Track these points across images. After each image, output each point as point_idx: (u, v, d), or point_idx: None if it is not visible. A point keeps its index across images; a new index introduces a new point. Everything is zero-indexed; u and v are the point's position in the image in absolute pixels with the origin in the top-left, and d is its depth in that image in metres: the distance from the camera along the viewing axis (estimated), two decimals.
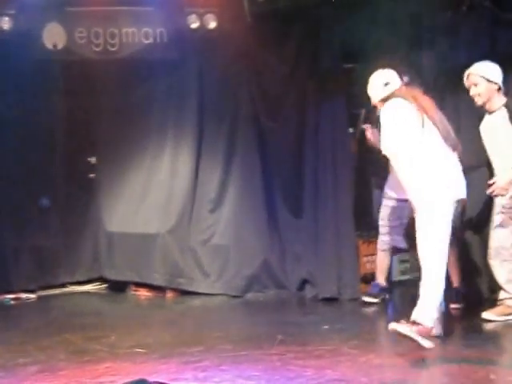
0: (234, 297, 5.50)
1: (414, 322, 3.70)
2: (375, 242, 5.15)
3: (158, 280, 5.72)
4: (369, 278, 5.27)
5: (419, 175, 3.77)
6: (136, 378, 3.32)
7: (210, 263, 5.66)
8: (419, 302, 3.73)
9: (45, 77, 5.42)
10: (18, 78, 5.30)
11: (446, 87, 4.94)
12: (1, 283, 5.53)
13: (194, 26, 5.33)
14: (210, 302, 5.41)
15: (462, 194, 3.86)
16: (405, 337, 3.70)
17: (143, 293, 5.74)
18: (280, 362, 3.76)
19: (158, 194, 5.85)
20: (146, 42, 5.37)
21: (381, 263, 5.10)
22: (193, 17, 5.31)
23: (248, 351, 3.96)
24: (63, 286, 5.85)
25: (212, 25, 5.32)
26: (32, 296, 5.59)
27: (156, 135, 5.84)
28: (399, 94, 3.93)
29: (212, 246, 5.68)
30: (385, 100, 3.99)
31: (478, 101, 4.41)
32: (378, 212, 5.08)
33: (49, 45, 5.29)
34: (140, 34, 5.36)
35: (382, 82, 4.13)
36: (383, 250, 5.07)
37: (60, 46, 5.30)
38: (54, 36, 5.28)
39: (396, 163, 3.85)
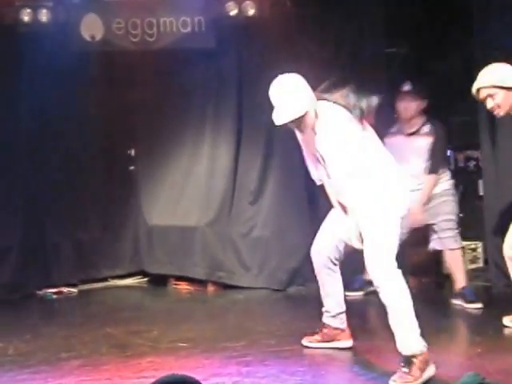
0: (276, 290, 5.40)
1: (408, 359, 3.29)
2: (423, 233, 5.00)
3: (198, 273, 5.66)
4: (417, 271, 5.11)
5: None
6: (178, 373, 3.25)
7: (251, 256, 5.58)
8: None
9: (83, 69, 5.39)
10: (56, 70, 5.28)
11: None
12: (43, 278, 5.55)
13: (233, 13, 5.23)
14: (252, 296, 5.33)
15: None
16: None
17: (184, 286, 5.69)
18: (324, 357, 3.68)
19: (197, 186, 5.78)
20: (184, 31, 5.28)
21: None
22: (231, 4, 5.21)
23: (292, 346, 3.89)
24: (104, 280, 5.84)
25: (251, 12, 5.21)
26: (73, 290, 5.59)
27: (195, 126, 5.77)
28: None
29: (252, 239, 5.60)
30: None
31: (500, 112, 3.87)
32: None
33: (87, 36, 5.26)
34: (178, 23, 5.28)
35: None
36: None
37: (98, 38, 5.26)
38: (91, 27, 5.24)
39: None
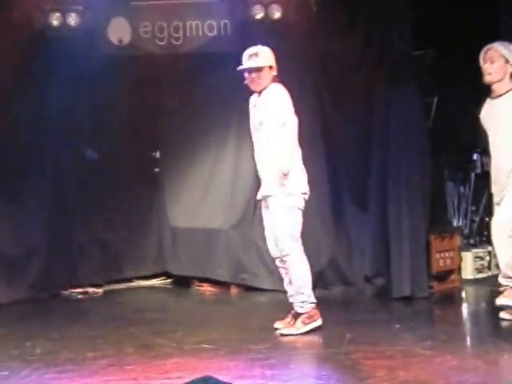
0: None
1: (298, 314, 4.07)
2: (449, 238, 4.96)
3: (221, 275, 5.69)
4: (442, 276, 5.07)
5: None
6: (202, 374, 3.29)
7: (275, 259, 5.58)
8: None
9: (110, 72, 5.44)
10: (83, 73, 5.35)
11: None
12: (68, 278, 5.62)
13: (259, 16, 5.25)
14: (275, 299, 5.31)
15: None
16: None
17: (207, 288, 5.72)
18: (349, 361, 3.65)
19: (221, 188, 5.81)
20: (210, 34, 5.32)
21: None
22: (257, 7, 5.23)
23: (316, 350, 3.89)
24: (129, 280, 5.89)
25: (277, 15, 5.23)
26: (98, 290, 5.66)
27: (220, 129, 5.80)
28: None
29: None
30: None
31: (489, 78, 4.22)
32: (452, 205, 4.87)
33: (114, 40, 5.32)
34: (204, 26, 5.32)
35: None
36: None
37: (125, 41, 5.33)
38: (119, 31, 5.30)
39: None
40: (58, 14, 5.22)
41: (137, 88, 5.75)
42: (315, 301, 4.24)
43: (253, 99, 4.32)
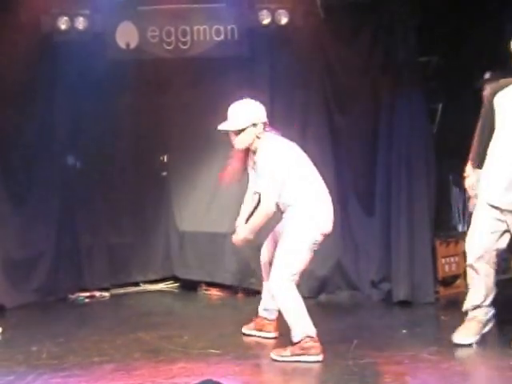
0: (307, 298, 5.37)
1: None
2: (454, 243, 4.94)
3: (228, 280, 5.68)
4: (449, 282, 5.05)
5: None
6: (205, 378, 3.29)
7: None
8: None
9: (117, 76, 5.46)
10: (91, 77, 5.36)
11: None
12: (75, 282, 5.62)
13: (266, 22, 5.24)
14: None
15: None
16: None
17: (214, 292, 5.71)
18: (357, 367, 3.65)
19: (228, 192, 5.79)
20: (217, 39, 5.32)
21: None
22: (264, 13, 5.22)
23: (323, 355, 3.86)
24: (136, 284, 5.89)
25: (284, 20, 5.22)
26: (106, 294, 5.66)
27: (227, 133, 5.78)
28: None
29: None
30: None
31: None
32: (457, 211, 4.86)
33: (122, 44, 5.33)
34: (211, 31, 5.32)
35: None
36: None
37: (133, 46, 5.33)
38: (126, 35, 5.31)
39: None
40: (65, 18, 5.22)
41: (144, 92, 5.76)
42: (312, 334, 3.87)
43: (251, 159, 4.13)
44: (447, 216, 5.46)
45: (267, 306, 4.32)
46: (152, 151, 5.95)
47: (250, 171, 4.19)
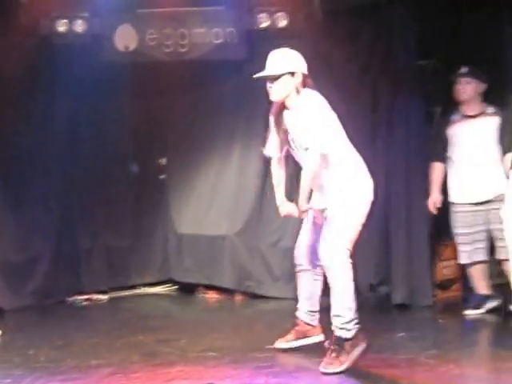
0: None
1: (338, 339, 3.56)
2: (452, 246, 4.95)
3: (226, 283, 5.68)
4: (446, 285, 5.06)
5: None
6: (206, 382, 3.29)
7: (280, 266, 5.58)
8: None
9: (116, 79, 5.46)
10: (90, 80, 5.37)
11: None
12: (73, 284, 5.62)
13: (265, 24, 5.25)
14: (280, 306, 5.32)
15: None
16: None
17: (212, 295, 5.72)
18: (354, 370, 3.64)
19: (226, 195, 5.81)
20: (216, 42, 5.33)
21: None
22: (263, 16, 5.23)
23: (321, 358, 3.85)
24: (134, 287, 5.89)
25: (282, 23, 5.23)
26: (103, 297, 5.66)
27: (225, 136, 5.81)
28: None
29: (281, 249, 5.59)
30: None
31: None
32: None
33: (120, 47, 5.33)
34: (210, 34, 5.32)
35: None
36: None
37: (131, 48, 5.33)
38: (125, 38, 5.32)
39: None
40: (64, 21, 5.23)
41: (143, 95, 5.77)
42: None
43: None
44: (446, 219, 5.45)
45: (310, 307, 4.01)
46: (150, 154, 5.96)
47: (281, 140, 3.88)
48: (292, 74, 3.67)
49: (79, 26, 5.25)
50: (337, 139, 3.69)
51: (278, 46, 5.36)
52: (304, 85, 3.71)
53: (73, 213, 5.68)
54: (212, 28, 5.32)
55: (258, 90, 5.64)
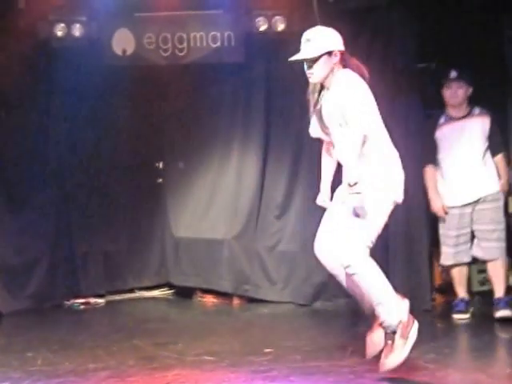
0: (302, 305, 5.39)
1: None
2: None
3: (224, 287, 5.68)
4: (445, 289, 5.05)
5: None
6: None
7: (277, 270, 5.58)
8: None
9: (114, 83, 5.47)
10: (87, 84, 5.38)
11: None
12: (70, 288, 5.62)
13: (263, 28, 5.26)
14: (278, 310, 5.32)
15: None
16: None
17: (210, 299, 5.71)
18: (352, 374, 3.63)
19: (224, 199, 5.81)
20: (214, 45, 5.33)
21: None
22: (261, 19, 5.24)
23: (318, 362, 3.86)
24: (131, 291, 5.89)
25: (280, 27, 5.24)
26: (101, 301, 5.65)
27: (223, 140, 5.81)
28: None
29: (279, 253, 5.60)
30: None
31: None
32: None
33: (118, 51, 5.33)
34: (208, 37, 5.33)
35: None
36: None
37: (129, 52, 5.34)
38: (123, 42, 5.32)
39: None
40: (62, 25, 5.24)
41: (140, 99, 5.77)
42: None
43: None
44: None
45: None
46: (148, 158, 5.96)
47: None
48: (329, 53, 3.51)
49: (77, 30, 5.26)
50: (378, 123, 3.53)
51: (276, 50, 5.44)
52: (342, 63, 3.55)
53: (70, 217, 5.68)
54: (210, 32, 5.33)
55: (256, 94, 5.69)
